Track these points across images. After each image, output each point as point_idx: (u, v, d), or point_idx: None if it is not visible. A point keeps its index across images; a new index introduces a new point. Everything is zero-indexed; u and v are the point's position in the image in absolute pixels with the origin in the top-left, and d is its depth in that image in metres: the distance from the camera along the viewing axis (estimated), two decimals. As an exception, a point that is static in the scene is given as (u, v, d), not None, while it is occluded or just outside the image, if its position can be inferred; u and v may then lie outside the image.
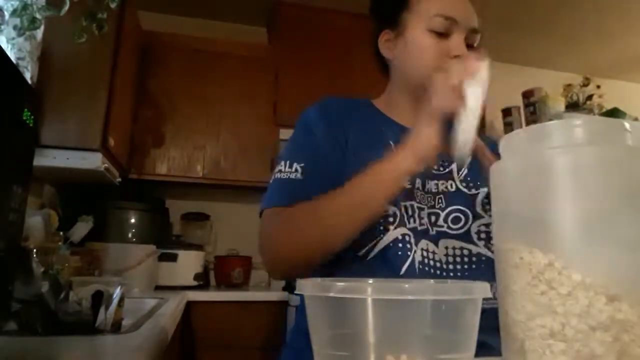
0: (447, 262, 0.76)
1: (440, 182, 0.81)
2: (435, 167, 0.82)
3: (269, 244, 0.76)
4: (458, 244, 0.77)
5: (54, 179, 1.92)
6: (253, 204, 2.76)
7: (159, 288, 2.04)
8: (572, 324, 0.34)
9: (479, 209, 0.80)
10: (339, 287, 0.35)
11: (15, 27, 1.29)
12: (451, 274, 0.75)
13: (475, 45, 0.81)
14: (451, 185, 0.82)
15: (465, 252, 0.77)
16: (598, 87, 3.10)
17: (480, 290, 0.37)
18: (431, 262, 0.75)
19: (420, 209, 0.78)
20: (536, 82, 2.90)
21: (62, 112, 1.63)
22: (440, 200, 0.80)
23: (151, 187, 2.51)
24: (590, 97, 2.95)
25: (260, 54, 2.61)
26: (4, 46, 1.30)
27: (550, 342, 0.34)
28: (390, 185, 0.67)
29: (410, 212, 0.77)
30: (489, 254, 0.77)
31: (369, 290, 0.35)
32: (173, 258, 2.15)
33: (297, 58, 2.62)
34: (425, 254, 0.75)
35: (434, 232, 0.78)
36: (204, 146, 2.42)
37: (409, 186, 0.77)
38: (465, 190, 0.82)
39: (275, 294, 2.11)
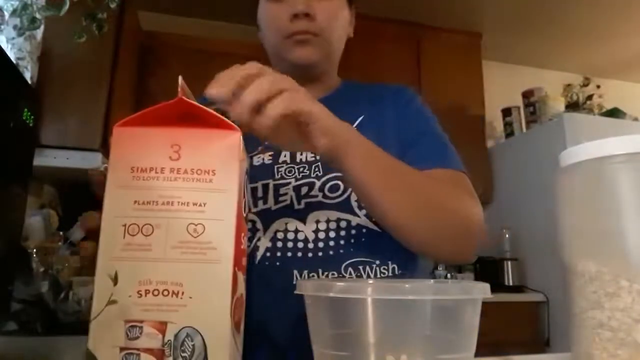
0: (317, 239, 0.68)
1: None
2: None
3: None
4: (334, 214, 0.69)
5: (54, 179, 1.92)
6: (253, 204, 2.77)
7: (159, 288, 2.04)
8: (617, 317, 0.38)
9: None
10: (339, 287, 0.35)
11: (15, 27, 1.29)
12: (320, 253, 0.67)
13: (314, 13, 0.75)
14: None
15: (343, 223, 0.69)
16: (598, 87, 3.11)
17: (480, 290, 0.37)
18: (289, 244, 0.68)
19: (281, 185, 0.71)
20: (536, 82, 2.90)
21: (62, 112, 1.63)
22: (317, 169, 0.72)
23: (151, 187, 2.51)
24: (590, 97, 2.96)
25: (260, 54, 2.59)
26: (4, 46, 1.30)
27: (599, 332, 0.39)
28: None
29: (260, 194, 0.71)
30: (370, 225, 0.69)
31: (369, 290, 0.35)
32: (173, 258, 2.15)
33: (297, 58, 2.61)
34: (280, 235, 0.68)
35: (301, 206, 0.70)
36: (204, 146, 2.42)
37: (268, 161, 0.73)
38: None
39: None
